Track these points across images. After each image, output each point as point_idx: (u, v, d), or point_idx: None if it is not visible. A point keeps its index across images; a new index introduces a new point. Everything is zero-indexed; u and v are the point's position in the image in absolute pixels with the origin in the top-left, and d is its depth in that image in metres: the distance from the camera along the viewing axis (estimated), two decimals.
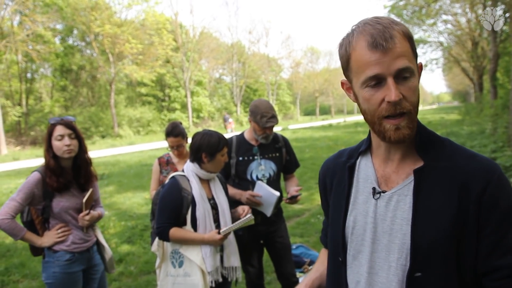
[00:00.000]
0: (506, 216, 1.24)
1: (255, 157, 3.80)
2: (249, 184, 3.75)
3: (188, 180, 3.19)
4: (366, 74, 1.25)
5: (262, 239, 3.90)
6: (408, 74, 1.24)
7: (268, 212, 3.66)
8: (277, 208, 3.86)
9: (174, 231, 3.08)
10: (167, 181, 3.27)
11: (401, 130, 1.26)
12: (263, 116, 3.63)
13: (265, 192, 3.60)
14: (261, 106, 3.67)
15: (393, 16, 29.02)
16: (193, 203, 3.14)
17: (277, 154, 3.90)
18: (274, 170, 3.84)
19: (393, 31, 1.23)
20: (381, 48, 1.22)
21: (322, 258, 1.76)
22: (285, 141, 4.02)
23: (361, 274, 1.40)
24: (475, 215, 1.23)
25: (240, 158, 3.80)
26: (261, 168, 3.79)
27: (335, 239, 1.51)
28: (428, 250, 1.25)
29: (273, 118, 3.66)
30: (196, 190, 3.17)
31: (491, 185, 1.23)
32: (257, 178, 3.78)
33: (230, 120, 36.11)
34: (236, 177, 3.80)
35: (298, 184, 4.11)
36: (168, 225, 3.08)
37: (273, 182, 3.81)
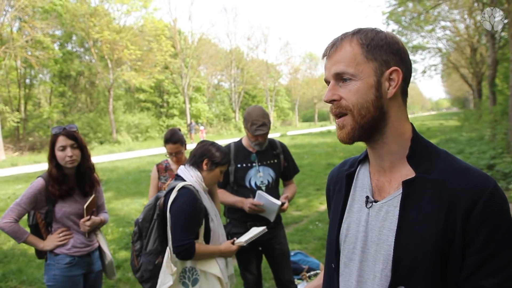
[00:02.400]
0: (492, 237, 1.20)
1: (254, 164, 3.79)
2: (248, 191, 3.74)
3: (197, 191, 3.01)
4: None
5: (261, 246, 3.88)
6: (347, 77, 1.31)
7: (271, 217, 3.67)
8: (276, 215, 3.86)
9: (198, 247, 2.90)
10: (175, 192, 2.96)
11: (343, 129, 1.34)
12: (253, 124, 3.62)
13: (266, 201, 3.59)
14: (253, 114, 3.65)
15: (391, 23, 29.14)
16: (206, 214, 3.02)
17: (275, 161, 3.89)
18: (272, 177, 3.83)
19: (341, 41, 1.35)
20: (325, 55, 1.38)
21: None
22: (283, 148, 4.01)
23: (351, 282, 1.41)
24: (462, 232, 1.21)
25: (239, 165, 3.79)
26: (259, 175, 3.78)
27: (330, 246, 1.52)
28: (411, 263, 1.24)
29: (263, 126, 3.63)
30: (206, 200, 3.06)
31: (479, 204, 1.19)
32: (256, 185, 3.77)
33: (202, 127, 33.37)
34: (234, 184, 3.79)
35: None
36: (193, 241, 2.88)
37: (271, 189, 3.80)
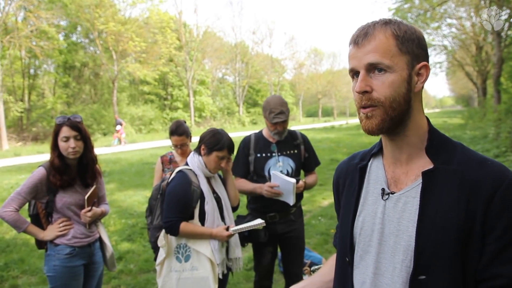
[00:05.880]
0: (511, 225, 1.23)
1: (273, 154, 3.80)
2: (267, 181, 3.73)
3: (196, 174, 3.22)
4: (348, 67, 1.36)
5: (279, 238, 3.90)
6: (383, 68, 1.28)
7: (290, 200, 3.61)
8: (297, 207, 3.90)
9: (184, 226, 3.10)
10: (173, 174, 3.26)
11: (371, 119, 1.31)
12: (271, 112, 3.64)
13: (281, 181, 3.57)
14: (271, 102, 3.68)
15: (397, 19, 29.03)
16: (201, 197, 3.18)
17: (295, 151, 3.88)
18: (292, 167, 3.82)
19: (374, 30, 1.30)
20: (355, 43, 1.32)
21: (331, 263, 1.75)
22: (304, 138, 4.01)
23: (367, 275, 1.41)
24: (482, 221, 1.23)
25: (258, 155, 3.81)
26: (278, 164, 3.78)
27: (344, 240, 1.51)
28: (433, 253, 1.25)
29: (281, 114, 3.63)
30: (204, 184, 3.22)
31: (499, 192, 1.22)
32: None
33: (118, 127, 27.86)
34: (254, 173, 3.81)
35: (317, 181, 4.11)
36: (178, 219, 3.10)
37: None
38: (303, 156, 3.95)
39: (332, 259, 1.75)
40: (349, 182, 1.56)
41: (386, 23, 1.32)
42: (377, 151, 1.52)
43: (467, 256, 1.24)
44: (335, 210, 1.75)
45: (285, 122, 3.70)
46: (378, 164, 1.49)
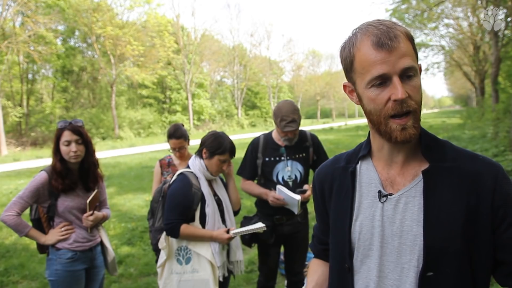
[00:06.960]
0: None
1: (282, 158, 3.74)
2: (274, 186, 3.70)
3: (197, 177, 3.24)
4: (371, 73, 1.25)
5: (285, 239, 3.88)
6: (412, 73, 1.25)
7: (295, 210, 3.60)
8: (303, 209, 3.88)
9: (185, 228, 3.11)
10: (175, 177, 3.28)
11: (407, 130, 1.27)
12: (282, 120, 3.55)
13: (285, 196, 3.55)
14: (283, 109, 3.58)
15: (394, 20, 29.01)
16: (202, 199, 3.19)
17: (304, 154, 3.81)
18: (300, 172, 3.77)
19: (396, 31, 1.25)
20: (386, 47, 1.22)
21: (314, 268, 1.73)
22: (314, 140, 3.92)
23: (370, 278, 1.40)
24: (488, 212, 1.26)
25: (267, 159, 3.75)
26: (287, 169, 3.73)
27: (340, 247, 1.49)
28: (440, 250, 1.26)
29: (292, 123, 3.54)
30: (205, 186, 3.23)
31: (499, 182, 1.27)
32: (283, 180, 3.72)
33: None
34: (262, 177, 3.79)
35: None
36: (179, 222, 3.11)
37: (299, 184, 3.75)
38: (311, 159, 3.87)
39: (315, 263, 1.74)
40: (338, 187, 1.53)
41: (397, 24, 1.28)
42: (366, 153, 1.49)
43: (474, 248, 1.26)
44: (315, 213, 1.73)
45: (296, 130, 3.62)
46: (369, 166, 1.47)
